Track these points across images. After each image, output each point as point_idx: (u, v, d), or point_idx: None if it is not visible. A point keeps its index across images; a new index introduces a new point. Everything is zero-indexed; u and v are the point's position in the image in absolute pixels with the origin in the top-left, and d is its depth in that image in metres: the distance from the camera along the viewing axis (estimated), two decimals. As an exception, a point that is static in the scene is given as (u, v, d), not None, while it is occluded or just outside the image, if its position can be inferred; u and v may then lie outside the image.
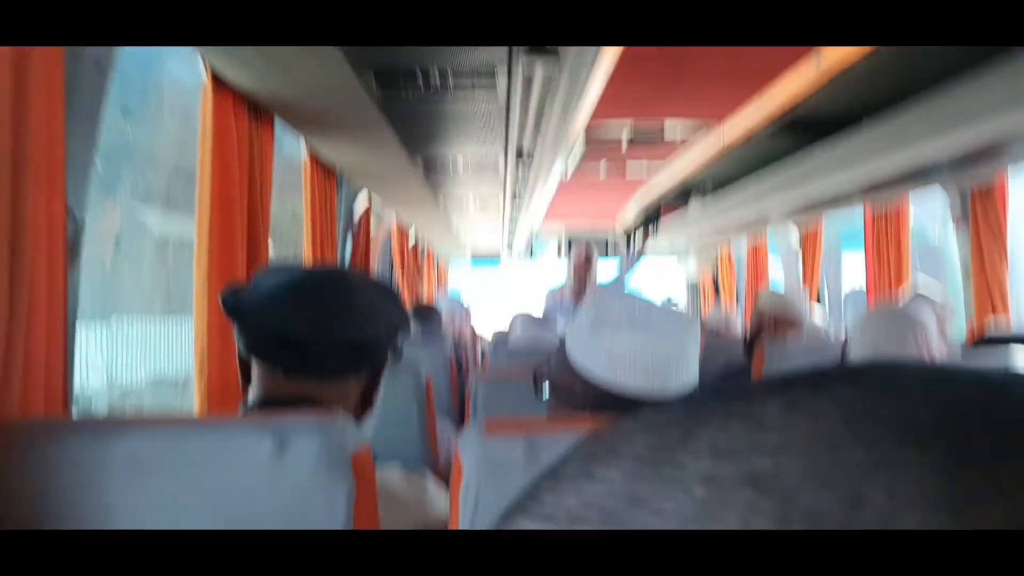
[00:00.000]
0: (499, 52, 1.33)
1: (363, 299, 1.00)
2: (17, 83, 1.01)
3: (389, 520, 0.95)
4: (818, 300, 4.19)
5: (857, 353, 1.81)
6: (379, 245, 4.67)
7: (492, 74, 1.45)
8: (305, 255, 2.69)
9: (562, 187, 3.71)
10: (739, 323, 3.75)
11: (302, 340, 0.94)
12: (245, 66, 1.50)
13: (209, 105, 1.69)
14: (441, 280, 7.22)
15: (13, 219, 1.00)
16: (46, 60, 1.05)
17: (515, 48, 1.32)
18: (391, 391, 1.67)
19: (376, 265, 4.53)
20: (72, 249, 1.18)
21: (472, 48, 1.31)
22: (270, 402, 0.97)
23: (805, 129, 2.79)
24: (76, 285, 1.22)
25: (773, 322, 2.62)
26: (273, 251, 2.07)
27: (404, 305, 1.13)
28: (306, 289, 0.97)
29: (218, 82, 1.63)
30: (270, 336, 0.95)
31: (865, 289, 3.83)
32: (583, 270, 4.98)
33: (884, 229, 3.48)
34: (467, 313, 4.61)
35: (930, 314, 2.08)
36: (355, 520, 0.86)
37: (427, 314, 3.52)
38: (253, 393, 0.99)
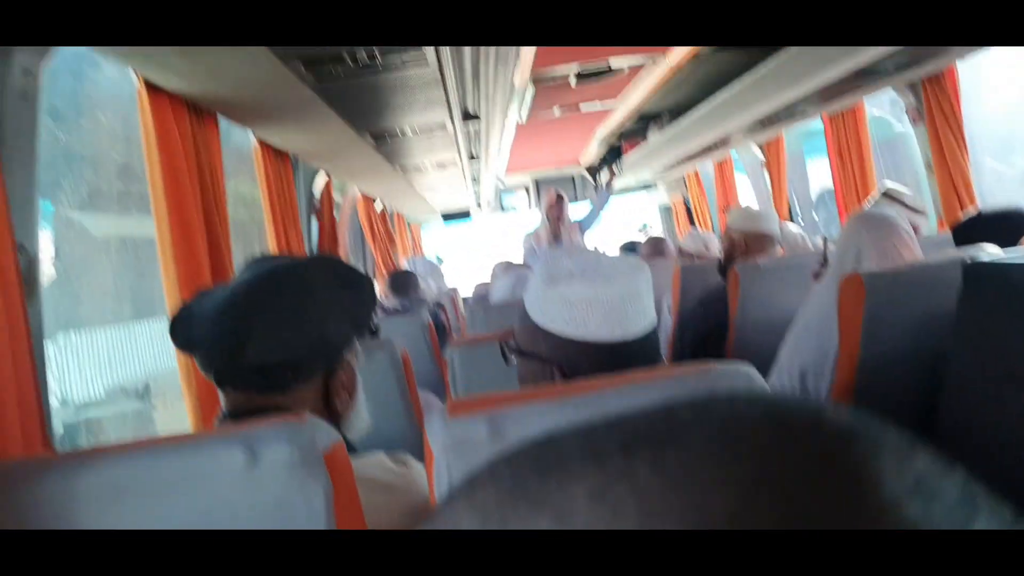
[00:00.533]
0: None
1: (300, 302, 0.98)
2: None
3: (376, 511, 0.96)
4: (789, 211, 4.21)
5: (840, 265, 1.84)
6: (347, 218, 4.64)
7: (419, 49, 1.44)
8: (269, 243, 2.68)
9: (520, 133, 3.68)
10: (716, 244, 3.72)
11: (229, 363, 0.94)
12: (173, 70, 1.47)
13: (147, 108, 1.66)
14: (416, 242, 7.19)
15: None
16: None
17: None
18: (367, 375, 1.68)
19: (346, 239, 4.51)
20: (28, 284, 1.17)
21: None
22: (236, 415, 0.98)
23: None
24: (39, 319, 1.21)
25: (744, 240, 2.61)
26: (239, 245, 2.06)
27: (368, 287, 1.11)
28: (233, 307, 0.95)
29: (151, 87, 1.61)
30: (202, 360, 0.96)
31: (832, 190, 3.84)
32: (554, 212, 5.03)
33: (843, 134, 3.47)
34: (440, 272, 4.62)
35: (902, 215, 2.09)
36: (337, 518, 0.88)
37: (402, 281, 3.49)
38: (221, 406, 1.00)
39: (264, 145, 2.47)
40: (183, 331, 0.97)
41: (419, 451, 1.57)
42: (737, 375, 0.90)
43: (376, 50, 1.42)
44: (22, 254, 1.17)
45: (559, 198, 5.10)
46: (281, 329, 0.96)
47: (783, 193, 4.16)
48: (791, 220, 4.16)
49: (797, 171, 4.42)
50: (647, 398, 0.86)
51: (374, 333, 1.97)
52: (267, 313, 0.95)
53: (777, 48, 2.50)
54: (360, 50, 1.42)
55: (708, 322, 2.59)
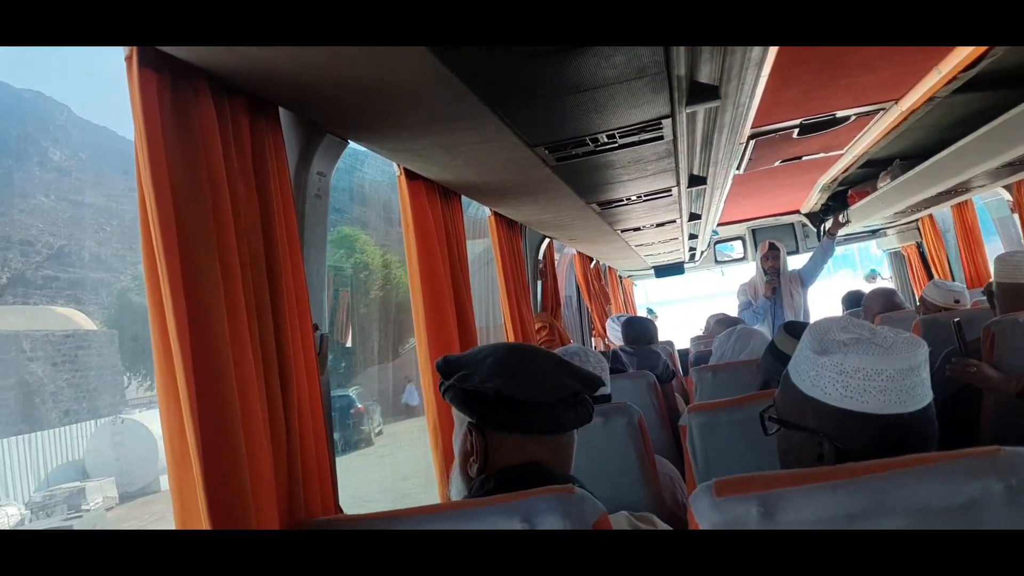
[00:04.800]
0: (662, 107, 1.37)
1: (557, 364, 1.14)
2: (265, 233, 1.17)
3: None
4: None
5: None
6: (564, 274, 4.81)
7: (658, 126, 1.50)
8: (501, 301, 2.86)
9: (737, 182, 3.63)
10: (967, 297, 3.34)
11: (542, 401, 1.07)
12: (431, 161, 1.65)
13: (405, 193, 1.85)
14: (628, 297, 7.23)
15: (277, 344, 1.17)
16: (283, 201, 1.22)
17: (676, 99, 1.36)
18: (607, 436, 1.73)
19: (563, 293, 4.66)
20: (321, 361, 1.35)
21: (635, 109, 1.37)
22: (503, 470, 1.07)
23: (1001, 83, 2.56)
24: (328, 389, 1.39)
25: (1004, 292, 2.36)
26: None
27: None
28: (514, 361, 1.10)
29: (409, 174, 1.80)
30: (492, 407, 1.07)
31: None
32: (769, 263, 4.88)
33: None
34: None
35: None
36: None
37: (642, 329, 3.49)
38: (483, 462, 1.09)
39: (498, 216, 2.66)
40: (467, 383, 1.09)
41: (658, 516, 1.57)
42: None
43: (617, 133, 1.51)
44: (318, 335, 1.36)
45: (773, 248, 4.94)
46: (555, 375, 1.11)
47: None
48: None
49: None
50: (929, 483, 0.83)
51: (606, 396, 2.03)
52: (542, 366, 1.12)
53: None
54: (602, 135, 1.52)
55: (952, 384, 2.34)
